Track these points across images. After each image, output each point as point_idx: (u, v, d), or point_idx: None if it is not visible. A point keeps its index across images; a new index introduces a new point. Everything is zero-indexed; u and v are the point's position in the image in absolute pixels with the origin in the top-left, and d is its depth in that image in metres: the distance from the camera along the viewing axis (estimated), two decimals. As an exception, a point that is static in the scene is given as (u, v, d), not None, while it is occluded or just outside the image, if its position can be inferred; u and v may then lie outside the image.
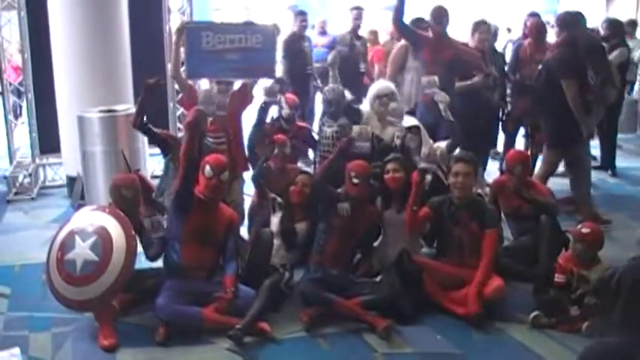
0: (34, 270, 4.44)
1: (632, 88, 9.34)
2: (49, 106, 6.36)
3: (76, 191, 6.00)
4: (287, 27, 7.12)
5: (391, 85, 5.26)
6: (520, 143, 6.70)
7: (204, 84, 5.12)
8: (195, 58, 4.69)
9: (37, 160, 6.82)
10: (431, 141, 4.89)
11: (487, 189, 5.16)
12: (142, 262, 4.03)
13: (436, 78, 4.95)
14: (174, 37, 4.92)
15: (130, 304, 3.94)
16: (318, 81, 7.42)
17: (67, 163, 6.39)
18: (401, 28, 5.54)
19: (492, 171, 6.33)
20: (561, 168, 6.44)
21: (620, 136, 7.80)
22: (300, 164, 5.21)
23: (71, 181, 6.23)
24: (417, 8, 6.40)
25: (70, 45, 5.96)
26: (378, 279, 4.14)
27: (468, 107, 5.41)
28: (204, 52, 4.67)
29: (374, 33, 8.64)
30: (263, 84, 5.14)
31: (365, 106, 5.07)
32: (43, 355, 3.54)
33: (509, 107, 6.37)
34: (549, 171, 5.51)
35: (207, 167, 3.84)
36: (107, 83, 6.00)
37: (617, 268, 3.01)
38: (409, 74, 5.70)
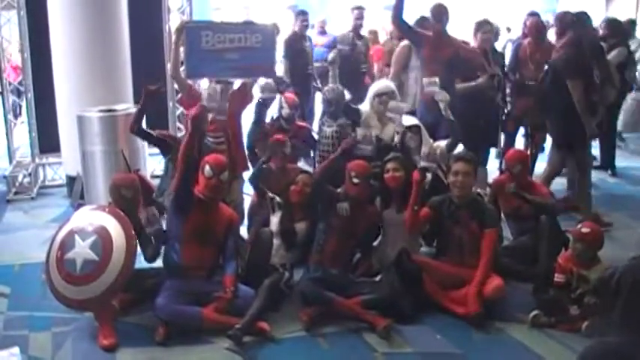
0: (34, 269, 4.43)
1: (632, 88, 9.32)
2: (48, 106, 6.36)
3: (76, 191, 6.00)
4: (287, 26, 7.12)
5: (391, 84, 5.26)
6: (520, 143, 6.69)
7: (203, 84, 5.11)
8: (195, 58, 4.68)
9: (37, 160, 6.82)
10: (431, 140, 4.90)
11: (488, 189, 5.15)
12: (141, 262, 4.03)
13: (437, 78, 4.95)
14: (173, 37, 4.91)
15: (129, 303, 3.94)
16: (318, 81, 7.41)
17: (66, 163, 6.39)
18: (400, 26, 5.54)
19: (492, 171, 6.33)
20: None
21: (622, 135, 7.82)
22: (301, 164, 5.21)
23: (71, 180, 6.23)
24: (417, 7, 6.40)
25: (69, 45, 5.95)
26: (377, 278, 4.14)
27: (471, 107, 5.41)
28: (204, 51, 4.67)
29: (374, 32, 8.64)
30: (261, 82, 5.15)
31: (365, 106, 5.07)
32: (42, 354, 3.54)
33: (509, 107, 6.37)
34: (554, 172, 5.48)
35: (207, 167, 3.84)
36: (107, 83, 6.00)
37: (617, 267, 3.01)
38: (413, 73, 5.72)
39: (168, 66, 5.82)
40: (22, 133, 7.07)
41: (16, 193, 6.51)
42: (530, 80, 6.02)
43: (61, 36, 6.00)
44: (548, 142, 7.39)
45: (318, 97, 7.01)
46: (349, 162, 4.26)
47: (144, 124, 4.56)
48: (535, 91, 5.76)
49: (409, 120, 5.02)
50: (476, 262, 3.95)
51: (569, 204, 5.49)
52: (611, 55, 6.71)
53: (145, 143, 5.67)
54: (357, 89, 5.80)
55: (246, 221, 4.75)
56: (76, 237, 3.69)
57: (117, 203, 3.99)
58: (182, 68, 4.96)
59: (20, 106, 7.61)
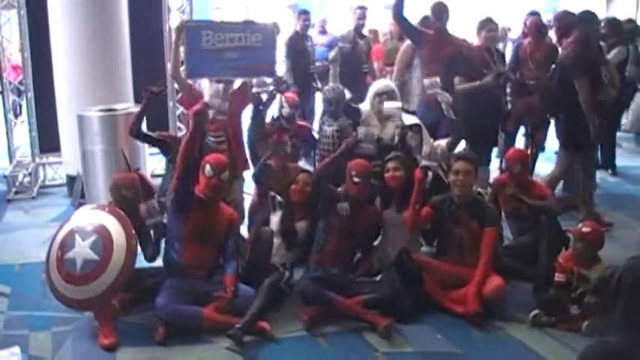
0: (34, 269, 4.43)
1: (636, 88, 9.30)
2: (48, 105, 6.36)
3: (76, 190, 6.00)
4: (287, 26, 7.12)
5: (391, 84, 5.26)
6: (520, 142, 6.69)
7: (204, 83, 5.12)
8: (195, 57, 4.68)
9: (37, 159, 6.82)
10: (431, 140, 4.90)
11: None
12: (142, 262, 4.03)
13: (438, 79, 4.95)
14: (173, 36, 4.91)
15: (129, 303, 3.94)
16: (318, 82, 7.41)
17: (67, 162, 6.39)
18: (401, 23, 5.54)
19: (492, 170, 6.32)
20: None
21: (619, 134, 7.81)
22: (302, 163, 5.21)
23: (71, 180, 6.23)
24: (417, 6, 6.40)
25: (69, 44, 5.95)
26: (378, 278, 4.14)
27: (477, 106, 5.39)
28: (204, 51, 4.66)
29: (373, 32, 8.64)
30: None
31: (365, 105, 5.08)
32: (43, 354, 3.54)
33: (509, 106, 6.36)
34: (564, 172, 5.39)
35: (208, 167, 3.84)
36: (107, 82, 6.00)
37: (617, 267, 3.00)
38: (416, 72, 5.74)
39: (169, 65, 5.82)
40: (23, 132, 7.07)
41: (16, 193, 6.51)
42: (530, 80, 6.01)
43: (62, 35, 6.00)
44: (548, 142, 7.45)
45: (318, 97, 7.03)
46: (350, 161, 4.26)
47: (144, 125, 4.55)
48: (540, 90, 5.74)
49: (410, 119, 5.02)
50: (476, 262, 3.95)
51: (568, 204, 5.49)
52: (611, 55, 6.71)
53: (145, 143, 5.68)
54: (357, 88, 5.80)
55: (246, 221, 4.75)
56: (77, 236, 3.69)
57: (117, 203, 3.99)
58: (182, 68, 4.96)
59: (20, 106, 7.61)
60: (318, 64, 7.51)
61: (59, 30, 6.01)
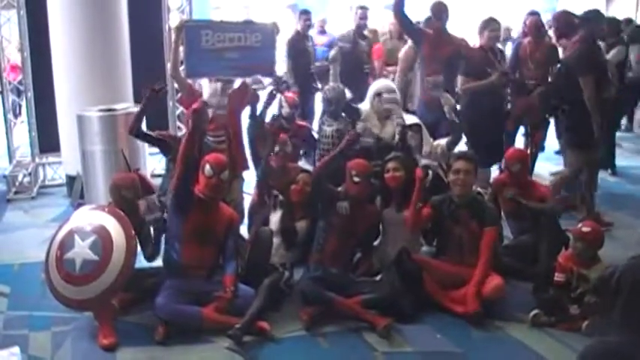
0: (34, 269, 4.43)
1: None
2: (48, 105, 6.35)
3: (76, 190, 6.00)
4: (286, 26, 7.12)
5: (391, 84, 5.26)
6: (520, 142, 6.69)
7: (204, 83, 5.12)
8: (195, 57, 4.68)
9: (37, 159, 6.82)
10: (431, 139, 4.90)
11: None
12: (141, 262, 4.03)
13: (442, 78, 4.95)
14: (173, 36, 4.91)
15: (129, 303, 3.94)
16: (317, 82, 7.41)
17: (66, 162, 6.39)
18: (402, 20, 5.54)
19: (493, 169, 6.32)
20: (561, 167, 6.44)
21: (619, 134, 7.81)
22: (302, 163, 5.21)
23: (71, 180, 6.23)
24: (417, 5, 6.40)
25: (69, 44, 5.95)
26: (378, 278, 4.14)
27: (482, 106, 5.37)
28: (204, 50, 4.67)
29: (373, 32, 8.64)
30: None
31: (365, 105, 5.08)
32: (42, 354, 3.54)
33: (508, 106, 6.36)
34: (574, 172, 5.34)
35: (207, 166, 3.84)
36: (107, 82, 6.00)
37: (617, 267, 3.00)
38: (419, 72, 5.72)
39: (168, 65, 5.82)
40: (22, 132, 7.07)
41: (16, 193, 6.51)
42: (530, 79, 6.01)
43: (61, 35, 6.00)
44: (548, 142, 7.45)
45: (318, 97, 7.02)
46: (350, 160, 4.26)
47: (143, 125, 4.55)
48: (541, 90, 5.73)
49: (410, 119, 5.02)
50: (476, 261, 3.95)
51: (568, 203, 5.49)
52: (611, 54, 6.71)
53: (145, 143, 5.68)
54: (358, 88, 5.80)
55: (246, 221, 4.75)
56: (76, 237, 3.68)
57: (117, 203, 3.99)
58: (182, 67, 4.96)
59: (20, 106, 7.61)
60: (317, 64, 7.51)
61: (59, 30, 6.01)
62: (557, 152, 7.25)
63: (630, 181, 6.98)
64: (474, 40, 5.95)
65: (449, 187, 4.20)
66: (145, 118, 4.42)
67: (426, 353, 3.56)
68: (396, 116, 4.87)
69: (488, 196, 4.71)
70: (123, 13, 6.15)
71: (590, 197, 5.42)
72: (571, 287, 3.77)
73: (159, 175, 5.75)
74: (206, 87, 4.91)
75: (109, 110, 5.56)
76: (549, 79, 5.97)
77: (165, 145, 4.57)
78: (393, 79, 6.47)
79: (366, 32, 7.57)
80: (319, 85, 7.33)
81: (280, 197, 4.37)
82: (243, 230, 4.54)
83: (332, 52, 7.48)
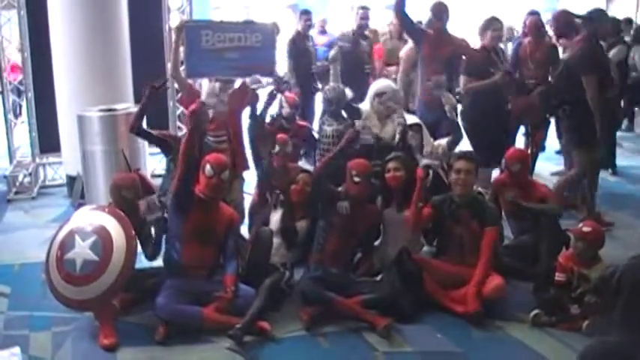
0: (34, 269, 4.43)
1: None
2: (48, 106, 6.35)
3: (76, 190, 6.00)
4: (286, 26, 7.12)
5: (392, 84, 5.26)
6: (520, 142, 6.69)
7: (204, 83, 5.12)
8: (195, 57, 4.68)
9: (37, 160, 6.82)
10: (432, 139, 4.90)
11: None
12: (142, 262, 4.03)
13: (444, 78, 4.94)
14: (173, 36, 4.91)
15: (130, 303, 3.94)
16: (317, 82, 7.40)
17: (67, 163, 6.39)
18: (403, 20, 5.54)
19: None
20: (562, 167, 6.44)
21: (619, 134, 7.79)
22: (302, 163, 5.21)
23: (71, 180, 6.23)
24: (417, 5, 6.40)
25: (69, 44, 5.95)
26: (378, 278, 4.14)
27: (485, 106, 5.37)
28: (204, 50, 4.67)
29: (373, 31, 8.64)
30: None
31: (365, 105, 5.08)
32: (43, 354, 3.54)
33: (509, 106, 6.35)
34: (582, 172, 5.32)
35: (208, 166, 3.84)
36: (107, 82, 6.00)
37: (617, 266, 3.00)
38: (419, 72, 5.73)
39: (169, 65, 5.83)
40: (23, 132, 7.06)
41: (16, 193, 6.51)
42: (530, 79, 6.01)
43: (61, 35, 6.00)
44: (548, 141, 7.45)
45: (318, 97, 7.02)
46: (350, 160, 4.26)
47: (144, 124, 4.55)
48: (541, 90, 5.73)
49: (410, 118, 5.02)
50: (476, 261, 3.95)
51: (568, 203, 5.48)
52: (611, 54, 6.71)
53: (146, 143, 5.68)
54: (359, 87, 5.80)
55: (246, 221, 4.75)
56: (76, 237, 3.68)
57: (117, 204, 3.99)
58: (182, 67, 4.96)
59: (20, 106, 7.61)
60: (318, 64, 7.51)
61: (59, 30, 6.01)
62: (558, 152, 7.26)
63: (631, 180, 6.97)
64: (475, 41, 5.94)
65: (449, 187, 4.20)
66: (145, 116, 4.42)
67: (427, 353, 3.56)
68: (397, 116, 4.87)
69: (489, 196, 4.71)
70: (123, 14, 6.15)
71: (591, 197, 5.42)
72: (571, 287, 3.77)
73: (159, 176, 5.75)
74: (205, 87, 4.91)
75: (110, 110, 5.56)
76: (549, 79, 5.97)
77: (166, 145, 4.57)
78: (392, 79, 6.48)
79: (366, 32, 7.56)
80: (319, 85, 7.33)
81: (281, 196, 4.37)
82: (244, 230, 4.54)
83: (332, 52, 7.48)
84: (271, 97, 4.86)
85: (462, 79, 5.63)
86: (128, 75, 6.24)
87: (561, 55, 6.33)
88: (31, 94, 6.59)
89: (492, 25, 5.55)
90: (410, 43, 6.28)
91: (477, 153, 4.51)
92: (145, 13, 6.73)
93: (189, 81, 4.94)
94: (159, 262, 4.06)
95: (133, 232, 3.77)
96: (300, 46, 7.26)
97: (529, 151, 5.84)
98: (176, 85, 6.22)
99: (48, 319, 3.86)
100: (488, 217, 4.05)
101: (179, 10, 7.34)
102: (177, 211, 3.87)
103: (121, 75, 6.16)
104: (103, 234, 3.67)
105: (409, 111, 5.58)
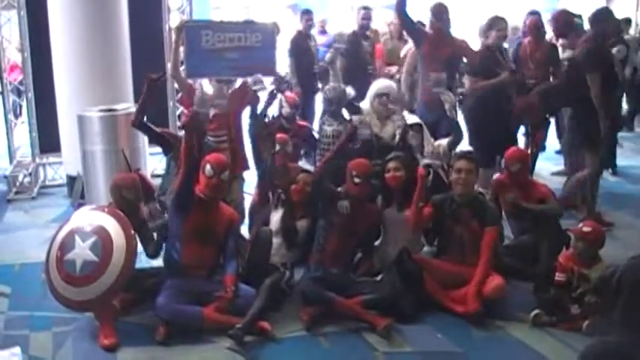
0: (35, 269, 4.43)
1: None
2: (49, 106, 6.36)
3: (76, 190, 6.00)
4: (287, 26, 7.11)
5: (392, 84, 5.26)
6: (520, 142, 6.68)
7: (204, 83, 5.12)
8: (195, 57, 4.69)
9: (37, 160, 6.82)
10: (432, 139, 4.90)
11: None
12: (142, 262, 4.03)
13: (444, 75, 4.94)
14: (173, 36, 4.92)
15: (130, 303, 3.94)
16: (318, 82, 7.40)
17: (67, 163, 6.39)
18: (404, 20, 5.54)
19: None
20: (562, 167, 6.44)
21: (619, 134, 7.79)
22: (303, 163, 5.21)
23: (71, 180, 6.23)
24: (417, 5, 6.39)
25: (69, 44, 5.95)
26: (378, 278, 4.14)
27: (487, 107, 5.36)
28: (204, 50, 4.67)
29: (373, 31, 8.63)
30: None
31: (365, 104, 5.08)
32: (43, 354, 3.54)
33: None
34: (596, 172, 5.31)
35: (208, 166, 3.84)
36: (107, 82, 6.00)
37: (617, 266, 3.00)
38: (420, 72, 5.73)
39: (169, 65, 5.82)
40: (23, 132, 7.07)
41: (16, 193, 6.51)
42: (530, 79, 6.01)
43: (62, 35, 6.00)
44: (548, 141, 7.45)
45: (319, 97, 7.01)
46: (351, 159, 4.25)
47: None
48: (543, 88, 5.72)
49: (411, 118, 5.02)
50: (477, 261, 3.95)
51: (568, 203, 5.48)
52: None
53: (146, 142, 5.68)
54: (360, 87, 5.80)
55: (247, 221, 4.75)
56: (76, 237, 3.68)
57: (118, 204, 3.98)
58: (182, 67, 4.96)
59: (21, 106, 7.61)
60: (321, 63, 7.49)
61: (59, 30, 6.01)
62: (558, 152, 7.25)
63: (631, 180, 6.97)
64: (475, 41, 5.94)
65: (449, 186, 4.20)
66: (146, 113, 4.40)
67: (427, 353, 3.56)
68: (397, 118, 4.87)
69: (489, 196, 4.71)
70: (123, 13, 6.15)
71: (592, 197, 5.42)
72: (572, 287, 3.77)
73: (159, 175, 5.74)
74: (206, 87, 4.90)
75: (110, 110, 5.57)
76: (550, 79, 5.97)
77: (166, 143, 4.57)
78: (396, 79, 6.47)
79: (367, 32, 7.54)
80: (320, 85, 7.32)
81: (282, 196, 4.37)
82: (244, 230, 4.54)
83: (327, 55, 7.46)
84: (271, 96, 4.86)
85: (467, 79, 5.62)
86: (128, 75, 6.24)
87: (561, 55, 6.33)
88: (31, 94, 6.59)
89: (497, 24, 5.52)
90: (410, 43, 6.28)
91: (478, 153, 4.51)
92: (145, 12, 6.73)
93: (190, 81, 4.94)
94: (159, 262, 4.06)
95: (133, 232, 3.77)
96: (301, 46, 7.25)
97: (529, 151, 5.83)
98: (176, 85, 6.22)
99: (48, 319, 3.86)
100: (489, 216, 4.05)
101: (179, 10, 7.33)
102: (178, 210, 3.87)
103: (121, 75, 6.16)
104: (102, 234, 3.67)
105: (411, 111, 5.57)
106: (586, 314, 3.68)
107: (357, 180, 4.15)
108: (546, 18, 6.82)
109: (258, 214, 4.49)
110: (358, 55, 7.08)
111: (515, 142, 5.82)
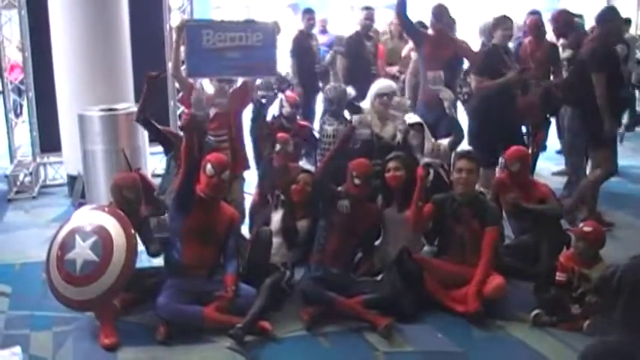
0: (35, 269, 4.42)
1: None
2: (49, 105, 6.36)
3: (77, 190, 6.00)
4: (287, 25, 7.10)
5: (393, 84, 5.27)
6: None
7: (205, 82, 5.12)
8: (196, 57, 4.68)
9: (38, 159, 6.82)
10: (432, 139, 4.90)
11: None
12: (142, 261, 4.03)
13: (442, 73, 4.94)
14: (174, 36, 4.91)
15: (131, 302, 3.94)
16: (319, 82, 7.39)
17: (67, 162, 6.39)
18: (404, 22, 5.55)
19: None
20: (562, 167, 6.44)
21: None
22: (303, 163, 5.21)
23: (72, 179, 6.24)
24: (417, 6, 6.40)
25: (70, 43, 5.96)
26: (379, 278, 4.14)
27: (494, 105, 5.35)
28: (205, 50, 4.67)
29: (375, 32, 8.62)
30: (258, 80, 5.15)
31: (365, 104, 5.08)
32: (44, 353, 3.54)
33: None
34: (608, 172, 5.30)
35: (209, 166, 3.84)
36: (108, 82, 6.00)
37: (618, 266, 3.00)
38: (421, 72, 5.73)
39: (169, 65, 5.83)
40: (23, 132, 7.07)
41: (17, 193, 6.51)
42: (530, 79, 6.00)
43: (62, 35, 6.00)
44: (549, 141, 7.44)
45: (319, 97, 7.01)
46: (352, 159, 4.25)
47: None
48: (543, 88, 5.72)
49: (412, 118, 5.02)
50: (477, 261, 3.95)
51: (571, 211, 5.47)
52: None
53: (146, 142, 5.68)
54: (362, 87, 5.80)
55: (247, 220, 4.75)
56: (77, 237, 3.68)
57: (118, 203, 3.98)
58: (183, 67, 4.96)
59: (21, 105, 7.62)
60: (323, 63, 7.49)
61: (60, 29, 6.01)
62: (559, 152, 7.25)
63: (631, 180, 6.97)
64: (475, 42, 5.93)
65: (449, 186, 4.20)
66: (148, 109, 4.41)
67: (427, 353, 3.56)
68: (399, 122, 4.87)
69: (490, 196, 4.71)
70: (124, 13, 6.15)
71: (592, 197, 5.42)
72: (572, 287, 3.77)
73: (160, 175, 5.74)
74: (206, 87, 4.91)
75: (110, 110, 5.57)
76: (551, 78, 5.96)
77: (167, 141, 4.57)
78: (397, 79, 6.47)
79: (370, 33, 7.53)
80: (320, 85, 7.31)
81: (282, 197, 4.37)
82: (244, 230, 4.54)
83: (327, 57, 7.46)
84: (272, 96, 4.86)
85: (473, 78, 5.61)
86: (129, 74, 6.24)
87: (561, 55, 6.33)
88: (31, 94, 6.60)
89: (502, 23, 5.49)
90: (411, 43, 6.28)
91: (479, 153, 4.51)
92: (145, 12, 6.73)
93: (190, 80, 4.94)
94: (159, 262, 4.06)
95: (133, 232, 3.76)
96: (303, 45, 7.24)
97: (530, 151, 5.83)
98: (177, 85, 6.22)
99: (49, 318, 3.87)
100: (490, 216, 4.05)
101: (180, 10, 7.34)
102: (179, 210, 3.87)
103: (122, 74, 6.16)
104: (103, 234, 3.67)
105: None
106: (586, 314, 3.68)
107: (357, 180, 4.15)
108: (547, 17, 6.83)
109: (258, 213, 4.49)
110: (361, 56, 7.07)
111: (521, 141, 5.82)
